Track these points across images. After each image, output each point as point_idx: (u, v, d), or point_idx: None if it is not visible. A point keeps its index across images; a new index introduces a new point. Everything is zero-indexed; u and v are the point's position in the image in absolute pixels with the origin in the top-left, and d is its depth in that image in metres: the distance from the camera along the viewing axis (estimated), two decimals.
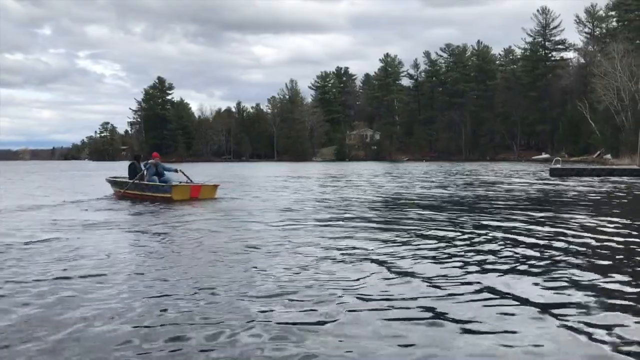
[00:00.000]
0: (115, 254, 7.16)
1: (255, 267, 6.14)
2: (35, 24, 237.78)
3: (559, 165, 32.66)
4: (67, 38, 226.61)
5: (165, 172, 16.22)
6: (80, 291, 5.16)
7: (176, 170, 16.77)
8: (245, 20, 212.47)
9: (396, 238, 8.17)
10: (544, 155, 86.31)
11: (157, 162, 16.27)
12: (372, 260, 6.49)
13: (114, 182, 17.43)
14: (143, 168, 16.30)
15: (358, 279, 5.54)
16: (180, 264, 6.47)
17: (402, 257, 6.69)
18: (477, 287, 5.22)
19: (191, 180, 16.65)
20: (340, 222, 10.17)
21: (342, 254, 6.95)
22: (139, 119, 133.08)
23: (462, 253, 6.96)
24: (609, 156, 61.84)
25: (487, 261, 6.43)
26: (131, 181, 16.16)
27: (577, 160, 66.35)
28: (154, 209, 13.26)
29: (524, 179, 27.94)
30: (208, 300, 4.81)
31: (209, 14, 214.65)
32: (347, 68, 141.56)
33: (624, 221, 10.17)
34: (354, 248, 7.37)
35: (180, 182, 16.07)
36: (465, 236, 8.36)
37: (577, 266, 6.13)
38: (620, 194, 17.29)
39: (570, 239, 7.98)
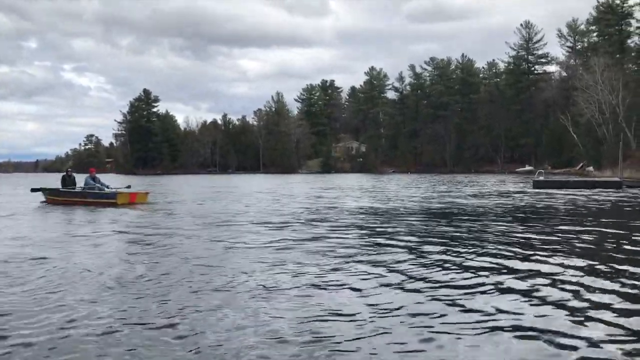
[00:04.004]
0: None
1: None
2: (21, 37, 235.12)
3: (541, 178, 32.98)
4: (52, 51, 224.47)
5: (99, 183, 19.97)
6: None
7: (108, 186, 20.21)
8: (232, 34, 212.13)
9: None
10: (528, 168, 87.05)
11: (94, 175, 20.29)
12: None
13: (43, 190, 21.05)
14: (88, 180, 19.93)
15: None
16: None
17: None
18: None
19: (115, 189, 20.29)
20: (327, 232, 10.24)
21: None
22: (124, 131, 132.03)
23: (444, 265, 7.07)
24: (591, 168, 62.61)
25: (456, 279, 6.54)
26: (68, 189, 19.93)
27: (560, 172, 67.09)
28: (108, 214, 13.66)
29: (508, 191, 28.20)
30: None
31: (196, 28, 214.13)
32: (332, 81, 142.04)
33: (604, 232, 10.36)
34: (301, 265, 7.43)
35: (121, 190, 19.91)
36: (443, 248, 8.50)
37: (551, 277, 6.26)
38: (601, 206, 17.56)
39: (551, 252, 8.14)
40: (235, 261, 7.62)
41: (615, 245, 8.83)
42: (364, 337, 4.30)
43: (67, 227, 12.45)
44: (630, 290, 5.65)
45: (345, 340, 4.22)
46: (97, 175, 20.80)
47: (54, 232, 11.37)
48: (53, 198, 20.24)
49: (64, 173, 21.17)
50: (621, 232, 10.64)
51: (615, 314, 4.84)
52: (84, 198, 19.16)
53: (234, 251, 8.56)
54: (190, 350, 4.07)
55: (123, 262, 7.66)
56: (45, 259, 7.86)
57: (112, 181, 24.91)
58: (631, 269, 6.76)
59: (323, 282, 6.23)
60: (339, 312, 4.98)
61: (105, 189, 19.84)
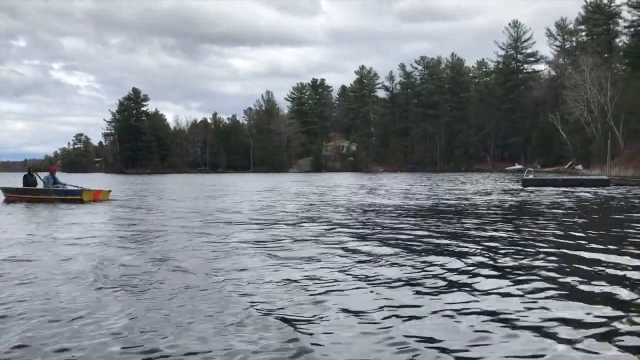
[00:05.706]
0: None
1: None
2: (11, 36, 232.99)
3: (531, 176, 33.14)
4: (42, 50, 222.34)
5: (59, 182, 20.74)
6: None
7: (64, 184, 21.05)
8: (223, 33, 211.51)
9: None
10: (517, 166, 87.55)
11: (54, 175, 20.86)
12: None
13: (3, 189, 21.74)
14: (40, 179, 20.89)
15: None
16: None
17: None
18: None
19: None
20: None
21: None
22: (113, 130, 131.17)
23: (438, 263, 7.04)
24: (580, 167, 63.10)
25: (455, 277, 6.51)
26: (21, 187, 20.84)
27: (549, 170, 67.50)
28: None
29: (497, 189, 28.28)
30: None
31: (188, 28, 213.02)
32: (323, 80, 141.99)
33: (591, 229, 10.39)
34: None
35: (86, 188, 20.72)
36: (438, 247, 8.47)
37: (541, 277, 6.24)
38: (589, 204, 17.65)
39: (537, 251, 8.13)
40: (244, 261, 7.54)
41: (602, 242, 8.84)
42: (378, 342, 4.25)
43: (39, 226, 12.27)
44: (623, 289, 5.65)
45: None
46: (57, 175, 21.55)
47: (25, 232, 11.20)
48: (17, 196, 20.72)
49: (26, 172, 21.73)
50: (609, 228, 10.67)
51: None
52: (49, 196, 19.84)
53: (255, 249, 8.48)
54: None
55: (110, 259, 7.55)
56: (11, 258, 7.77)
57: (102, 181, 25.52)
58: (622, 261, 6.76)
59: (338, 281, 6.17)
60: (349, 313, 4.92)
61: (68, 187, 20.80)
